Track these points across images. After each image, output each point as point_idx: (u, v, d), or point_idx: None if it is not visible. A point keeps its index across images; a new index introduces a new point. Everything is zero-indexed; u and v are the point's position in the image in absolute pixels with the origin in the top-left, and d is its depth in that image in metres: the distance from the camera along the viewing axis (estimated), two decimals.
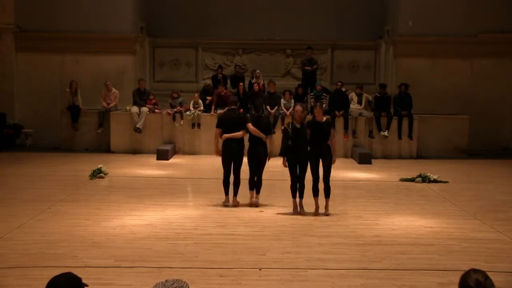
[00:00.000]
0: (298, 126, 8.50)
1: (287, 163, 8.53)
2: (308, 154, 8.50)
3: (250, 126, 8.89)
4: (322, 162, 8.51)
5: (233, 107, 9.32)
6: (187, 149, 15.11)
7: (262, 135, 8.85)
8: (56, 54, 16.72)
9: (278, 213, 8.72)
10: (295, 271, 6.15)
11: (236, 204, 9.04)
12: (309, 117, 9.79)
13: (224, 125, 9.06)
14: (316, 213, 8.58)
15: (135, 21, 17.20)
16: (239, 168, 9.05)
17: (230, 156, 9.02)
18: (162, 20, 18.21)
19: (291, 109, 14.64)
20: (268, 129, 9.11)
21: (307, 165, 8.52)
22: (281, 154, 8.57)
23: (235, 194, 9.11)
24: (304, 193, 8.78)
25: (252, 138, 8.93)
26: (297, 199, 8.70)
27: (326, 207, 8.64)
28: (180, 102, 15.25)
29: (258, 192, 9.08)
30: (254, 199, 9.08)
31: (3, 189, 10.24)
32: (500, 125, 16.82)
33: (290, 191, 8.74)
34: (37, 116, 16.51)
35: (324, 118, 8.58)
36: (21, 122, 16.51)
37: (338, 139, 14.81)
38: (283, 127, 8.75)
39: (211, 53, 18.33)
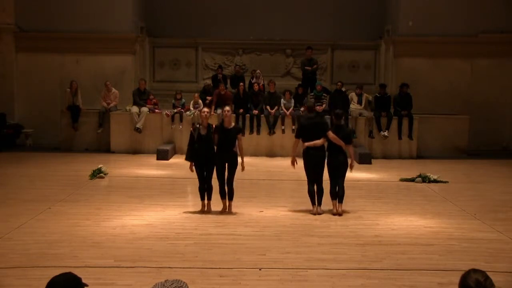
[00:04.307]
0: (203, 132, 8.55)
1: (193, 167, 8.63)
2: (215, 158, 8.57)
3: (330, 134, 8.63)
4: (228, 166, 8.58)
5: (311, 115, 9.09)
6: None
7: (342, 143, 8.62)
8: (56, 54, 16.72)
9: (278, 213, 8.73)
10: (295, 271, 6.15)
11: (321, 213, 8.72)
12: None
13: (305, 132, 8.80)
14: (222, 212, 8.65)
15: (135, 21, 17.19)
16: (321, 176, 8.78)
17: (312, 165, 8.72)
18: (162, 20, 18.22)
19: (291, 109, 14.64)
20: (349, 138, 8.87)
21: (213, 169, 8.61)
22: (187, 158, 8.71)
23: (319, 204, 8.83)
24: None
25: (332, 146, 8.71)
26: (205, 201, 8.75)
27: (230, 207, 8.72)
28: (183, 103, 15.26)
29: (341, 202, 8.75)
30: (337, 209, 8.72)
31: (3, 189, 10.23)
32: (500, 125, 16.81)
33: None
34: (37, 116, 16.51)
35: (232, 125, 8.71)
36: (21, 122, 16.52)
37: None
38: (191, 130, 8.78)
39: (211, 53, 18.32)
